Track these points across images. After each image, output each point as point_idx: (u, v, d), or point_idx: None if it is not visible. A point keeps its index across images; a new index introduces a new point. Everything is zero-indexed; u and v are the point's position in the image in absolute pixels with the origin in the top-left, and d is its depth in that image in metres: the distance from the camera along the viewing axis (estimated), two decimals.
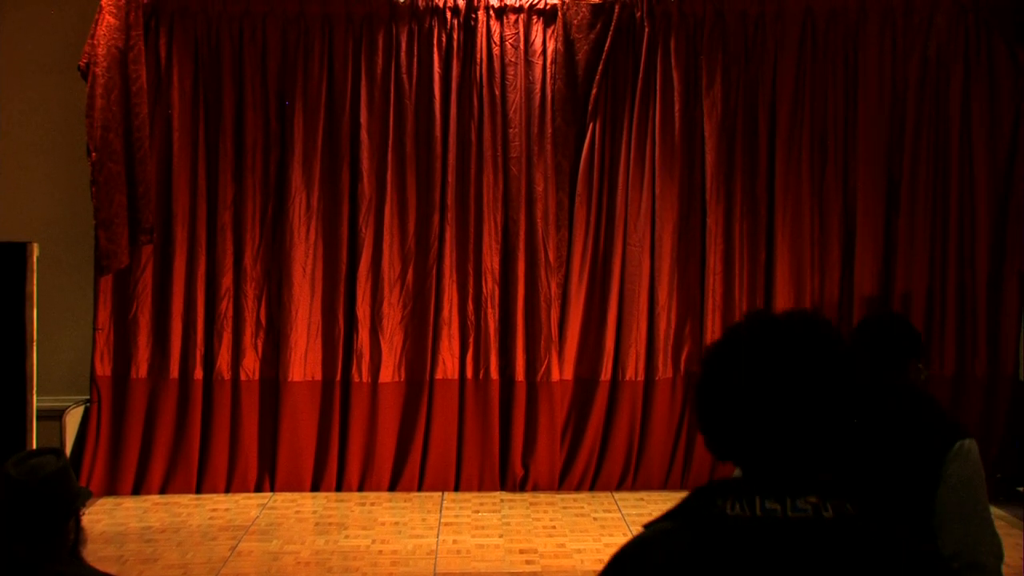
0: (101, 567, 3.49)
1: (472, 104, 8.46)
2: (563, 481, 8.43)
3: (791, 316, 1.82)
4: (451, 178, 8.43)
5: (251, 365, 8.34)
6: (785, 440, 1.72)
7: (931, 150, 8.50)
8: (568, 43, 8.46)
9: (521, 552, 6.84)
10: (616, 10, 8.44)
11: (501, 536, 7.19)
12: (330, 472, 8.37)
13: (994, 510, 7.64)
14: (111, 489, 8.20)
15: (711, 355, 1.84)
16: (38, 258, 7.09)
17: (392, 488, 8.38)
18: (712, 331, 8.43)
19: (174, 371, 8.29)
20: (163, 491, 8.26)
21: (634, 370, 8.43)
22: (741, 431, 1.75)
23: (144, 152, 8.13)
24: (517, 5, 8.49)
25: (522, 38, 8.50)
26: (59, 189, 8.61)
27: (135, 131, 8.11)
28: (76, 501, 3.29)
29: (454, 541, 7.08)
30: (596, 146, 8.47)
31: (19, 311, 6.97)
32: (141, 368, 8.28)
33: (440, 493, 8.30)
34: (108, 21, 8.02)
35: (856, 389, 1.77)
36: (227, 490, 8.31)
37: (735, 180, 8.50)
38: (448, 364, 8.40)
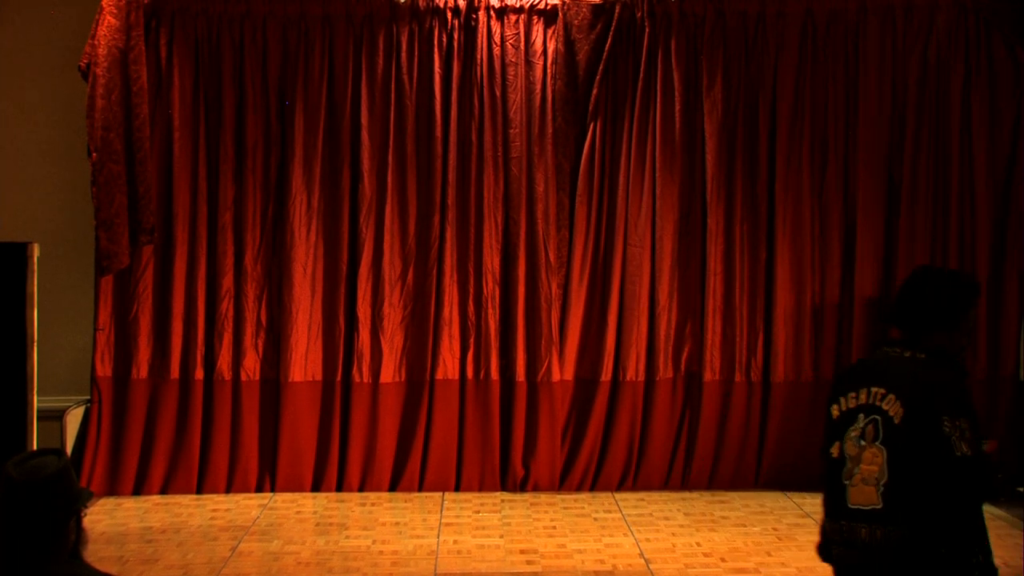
0: (102, 567, 3.50)
1: (473, 104, 8.46)
2: (563, 481, 8.43)
3: (931, 268, 4.05)
4: (452, 178, 8.43)
5: (252, 365, 8.34)
6: (905, 324, 3.68)
7: (931, 150, 8.50)
8: (569, 43, 8.46)
9: (522, 552, 6.84)
10: (617, 10, 8.45)
11: (502, 536, 7.19)
12: (331, 472, 8.38)
13: (994, 510, 7.67)
14: (112, 489, 8.20)
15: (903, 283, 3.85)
16: (38, 258, 7.09)
17: (393, 488, 8.38)
18: (713, 331, 8.43)
19: (175, 371, 8.30)
20: (164, 491, 8.27)
21: (635, 370, 8.43)
22: (895, 318, 3.74)
23: (145, 152, 8.13)
24: (517, 5, 8.49)
25: (523, 38, 8.50)
26: (59, 189, 8.62)
27: (136, 131, 8.12)
28: (77, 502, 3.29)
29: (455, 541, 7.08)
30: (597, 146, 8.47)
31: (19, 311, 6.97)
32: (142, 368, 8.29)
33: (440, 493, 8.30)
34: (109, 21, 8.03)
35: (947, 310, 3.63)
36: (228, 490, 8.31)
37: (736, 180, 8.51)
38: (449, 364, 8.40)
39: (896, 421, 3.47)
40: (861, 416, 3.55)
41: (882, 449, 3.48)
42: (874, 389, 3.55)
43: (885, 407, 3.50)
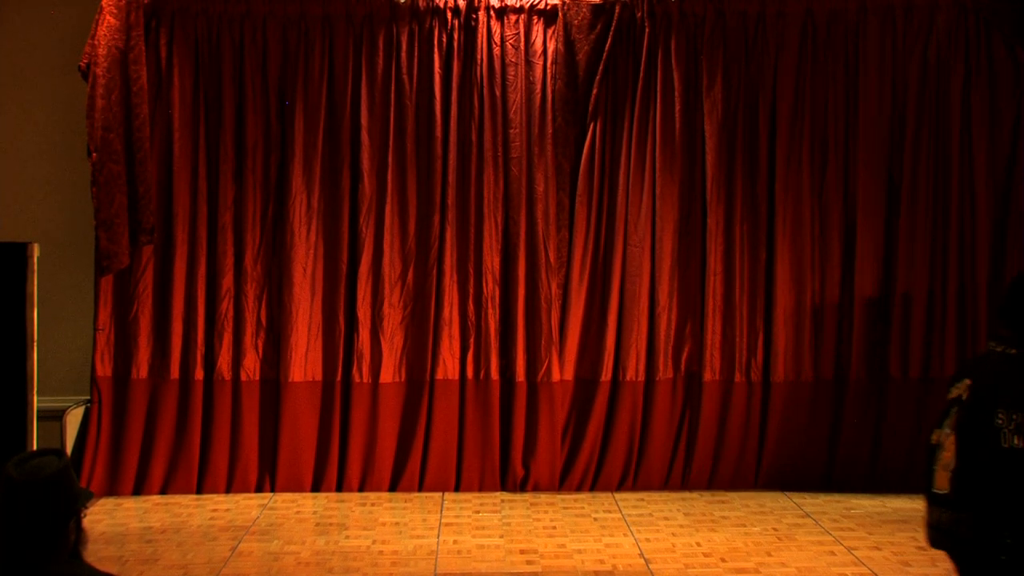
0: (102, 567, 3.49)
1: (473, 104, 8.46)
2: (563, 481, 8.43)
3: None
4: (452, 178, 8.43)
5: (252, 365, 8.34)
6: (1008, 322, 3.79)
7: (931, 150, 8.50)
8: (569, 43, 8.47)
9: (522, 552, 6.84)
10: (616, 10, 8.45)
11: (502, 536, 7.19)
12: (330, 472, 8.38)
13: None
14: (112, 489, 8.20)
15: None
16: (38, 258, 7.09)
17: (392, 488, 8.38)
18: (712, 332, 8.43)
19: (175, 371, 8.30)
20: (164, 491, 8.27)
21: (634, 371, 8.43)
22: (1001, 314, 3.85)
23: (144, 152, 8.14)
24: (518, 5, 8.50)
25: (523, 38, 8.50)
26: (59, 189, 8.62)
27: (136, 131, 8.12)
28: (77, 502, 3.29)
29: (455, 541, 7.08)
30: (597, 146, 8.48)
31: (19, 311, 6.97)
32: (142, 368, 8.29)
33: (440, 493, 8.30)
34: (109, 21, 8.03)
35: None
36: (227, 490, 8.31)
37: (735, 180, 8.51)
38: (449, 364, 8.40)
39: (964, 410, 3.71)
40: (954, 408, 3.78)
41: (955, 437, 3.71)
42: (966, 381, 3.78)
43: (964, 397, 3.74)
